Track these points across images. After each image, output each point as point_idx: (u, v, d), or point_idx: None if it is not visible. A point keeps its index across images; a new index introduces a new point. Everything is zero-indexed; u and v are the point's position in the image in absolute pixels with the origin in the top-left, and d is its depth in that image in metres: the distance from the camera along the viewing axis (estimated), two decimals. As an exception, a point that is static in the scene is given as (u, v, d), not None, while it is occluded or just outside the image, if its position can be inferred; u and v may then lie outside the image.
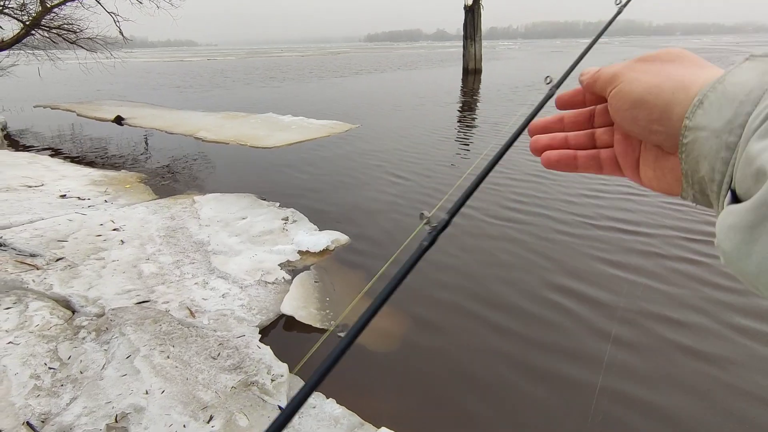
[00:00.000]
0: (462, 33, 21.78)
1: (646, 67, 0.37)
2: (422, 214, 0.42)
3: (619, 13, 0.54)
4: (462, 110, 11.83)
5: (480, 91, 15.76)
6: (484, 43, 22.02)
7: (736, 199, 0.26)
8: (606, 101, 0.41)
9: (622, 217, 4.39)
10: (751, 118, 0.26)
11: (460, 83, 18.33)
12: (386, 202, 5.09)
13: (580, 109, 0.45)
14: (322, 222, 4.35)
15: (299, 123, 9.89)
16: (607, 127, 0.43)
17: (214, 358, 2.37)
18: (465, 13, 20.68)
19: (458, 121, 10.27)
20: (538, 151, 0.45)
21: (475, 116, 10.94)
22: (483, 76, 20.71)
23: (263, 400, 2.12)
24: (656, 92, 0.34)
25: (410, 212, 4.78)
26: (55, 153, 7.87)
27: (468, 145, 8.03)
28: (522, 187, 5.34)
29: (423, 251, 0.40)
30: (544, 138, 0.46)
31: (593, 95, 0.44)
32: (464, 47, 21.71)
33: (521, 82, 17.71)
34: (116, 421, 1.96)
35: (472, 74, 20.96)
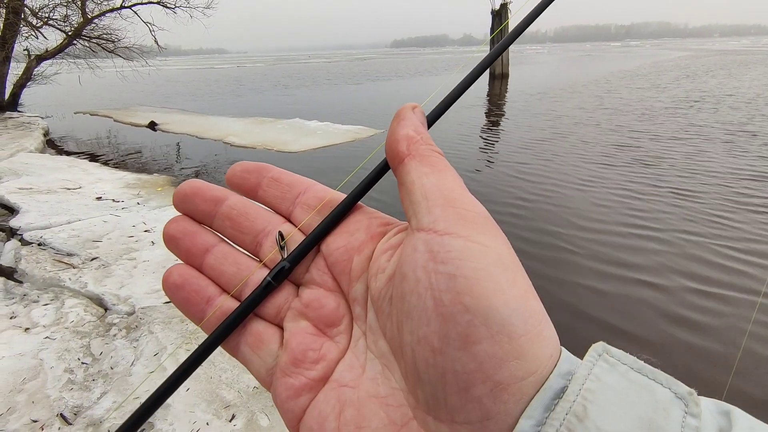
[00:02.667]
0: (489, 38, 21.66)
1: (511, 252, 0.23)
2: (280, 233, 0.29)
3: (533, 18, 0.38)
4: (487, 115, 11.74)
5: (506, 95, 15.61)
6: (511, 47, 21.76)
7: None
8: None
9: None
10: None
11: (486, 88, 18.18)
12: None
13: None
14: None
15: (324, 128, 10.01)
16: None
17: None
18: (492, 17, 20.56)
19: (483, 126, 10.19)
20: (168, 241, 0.30)
21: (500, 122, 10.83)
22: (510, 81, 20.52)
23: (284, 401, 2.15)
24: (534, 329, 0.21)
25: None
26: (93, 157, 8.21)
27: (492, 154, 7.95)
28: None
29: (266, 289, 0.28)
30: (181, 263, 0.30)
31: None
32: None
33: (548, 88, 17.45)
34: (143, 417, 2.02)
35: (498, 79, 20.79)
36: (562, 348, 0.22)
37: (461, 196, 0.24)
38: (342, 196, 0.30)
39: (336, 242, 0.28)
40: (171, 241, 0.30)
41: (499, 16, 20.35)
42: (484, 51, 0.38)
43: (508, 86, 18.60)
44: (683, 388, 0.20)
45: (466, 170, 6.47)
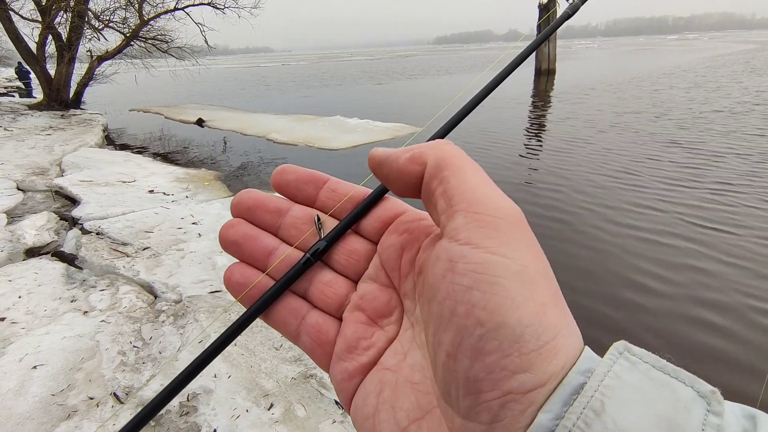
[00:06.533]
0: (536, 32, 21.03)
1: (542, 264, 0.23)
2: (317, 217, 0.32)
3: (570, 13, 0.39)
4: (532, 111, 11.43)
5: (552, 93, 15.12)
6: (559, 42, 21.10)
7: None
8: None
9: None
10: None
11: (531, 85, 17.70)
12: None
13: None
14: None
15: (365, 126, 10.08)
16: (339, 278, 0.31)
17: (276, 349, 2.49)
18: (539, 11, 19.95)
19: (527, 125, 9.93)
20: (228, 246, 0.32)
21: (545, 119, 10.52)
22: (557, 77, 19.86)
23: (320, 393, 2.19)
24: (546, 344, 0.20)
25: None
26: (146, 152, 8.67)
27: (552, 150, 7.74)
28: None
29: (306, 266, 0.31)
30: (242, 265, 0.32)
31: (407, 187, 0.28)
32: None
33: (596, 83, 16.76)
34: (188, 400, 2.12)
35: (545, 75, 20.17)
36: (586, 347, 0.22)
37: (484, 197, 0.23)
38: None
39: (388, 240, 0.30)
40: (232, 245, 0.31)
41: (547, 9, 19.71)
42: (524, 43, 0.38)
43: (555, 83, 18.02)
44: (706, 386, 0.20)
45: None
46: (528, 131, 9.12)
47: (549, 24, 0.37)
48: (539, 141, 8.27)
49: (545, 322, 0.21)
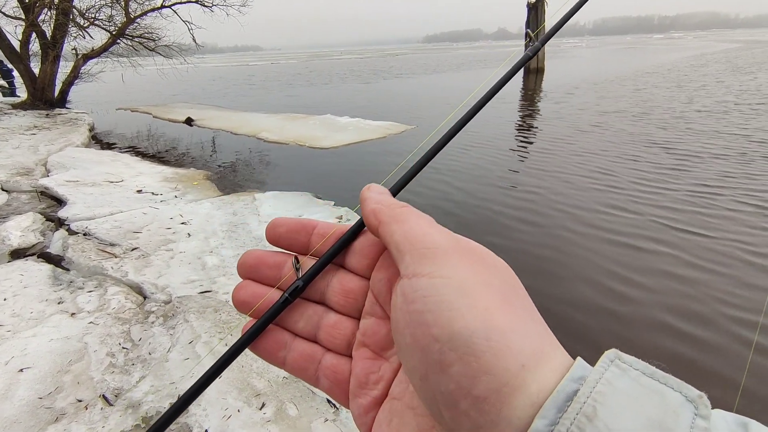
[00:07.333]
0: (524, 31, 21.17)
1: (488, 276, 0.25)
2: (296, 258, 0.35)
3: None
4: (517, 110, 11.50)
5: (539, 92, 15.23)
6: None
7: None
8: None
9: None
10: None
11: (520, 83, 17.81)
12: (441, 205, 5.06)
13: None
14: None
15: (356, 124, 10.07)
16: (343, 318, 0.33)
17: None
18: (528, 10, 20.08)
19: (511, 124, 9.97)
20: (240, 305, 0.35)
21: (533, 118, 10.59)
22: (545, 75, 20.01)
23: (312, 391, 2.19)
24: (498, 346, 0.22)
25: (470, 215, 4.73)
26: (134, 151, 8.56)
27: (531, 150, 7.79)
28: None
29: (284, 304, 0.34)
30: (251, 289, 0.35)
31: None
32: (526, 46, 21.08)
33: (582, 81, 16.92)
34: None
35: (533, 74, 20.31)
36: (579, 357, 0.23)
37: (424, 236, 0.27)
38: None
39: (377, 276, 0.32)
40: (244, 305, 0.35)
41: (536, 9, 19.85)
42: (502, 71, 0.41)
43: (543, 82, 18.16)
44: (694, 392, 0.21)
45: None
46: (510, 131, 9.12)
47: (516, 61, 0.41)
48: (520, 141, 8.27)
49: (492, 324, 0.23)
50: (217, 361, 0.32)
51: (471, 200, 5.13)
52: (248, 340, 0.33)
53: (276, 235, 0.35)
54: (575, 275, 3.42)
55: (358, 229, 0.34)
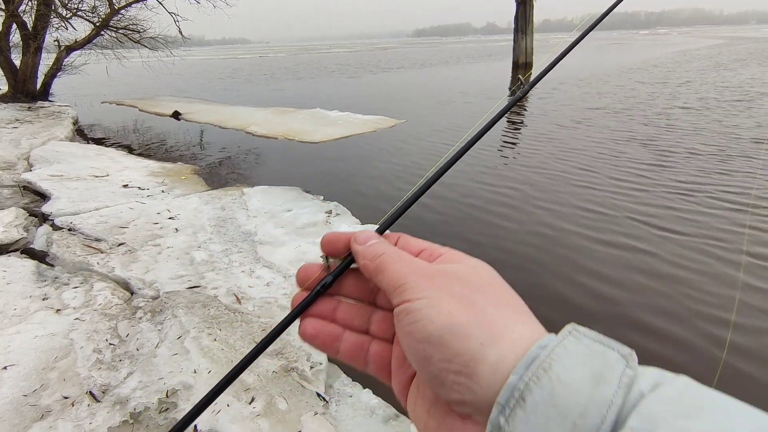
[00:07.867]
0: (513, 26, 21.21)
1: (451, 288, 0.32)
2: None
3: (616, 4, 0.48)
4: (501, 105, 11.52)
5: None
6: (536, 36, 21.35)
7: None
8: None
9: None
10: None
11: (508, 78, 17.86)
12: (423, 202, 5.07)
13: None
14: (364, 216, 4.40)
15: (345, 118, 10.02)
16: (389, 313, 0.39)
17: (256, 343, 2.48)
18: (517, 5, 20.11)
19: (505, 118, 10.01)
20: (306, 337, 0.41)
21: (518, 114, 10.64)
22: (534, 71, 20.08)
23: (302, 386, 2.19)
24: (460, 335, 0.30)
25: (453, 212, 4.75)
26: (119, 146, 8.43)
27: (514, 146, 7.83)
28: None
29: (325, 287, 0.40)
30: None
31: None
32: (515, 41, 21.16)
33: (569, 77, 17.04)
34: (167, 396, 2.09)
35: (522, 68, 20.38)
36: (550, 333, 0.30)
37: (399, 277, 0.34)
38: None
39: None
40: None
41: (524, 3, 19.89)
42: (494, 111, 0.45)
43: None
44: (626, 349, 0.27)
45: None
46: (494, 127, 9.16)
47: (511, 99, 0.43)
48: (503, 137, 8.27)
49: (454, 322, 0.30)
50: (264, 338, 0.40)
51: (453, 196, 5.13)
52: (288, 321, 0.40)
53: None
54: (553, 273, 3.46)
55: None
